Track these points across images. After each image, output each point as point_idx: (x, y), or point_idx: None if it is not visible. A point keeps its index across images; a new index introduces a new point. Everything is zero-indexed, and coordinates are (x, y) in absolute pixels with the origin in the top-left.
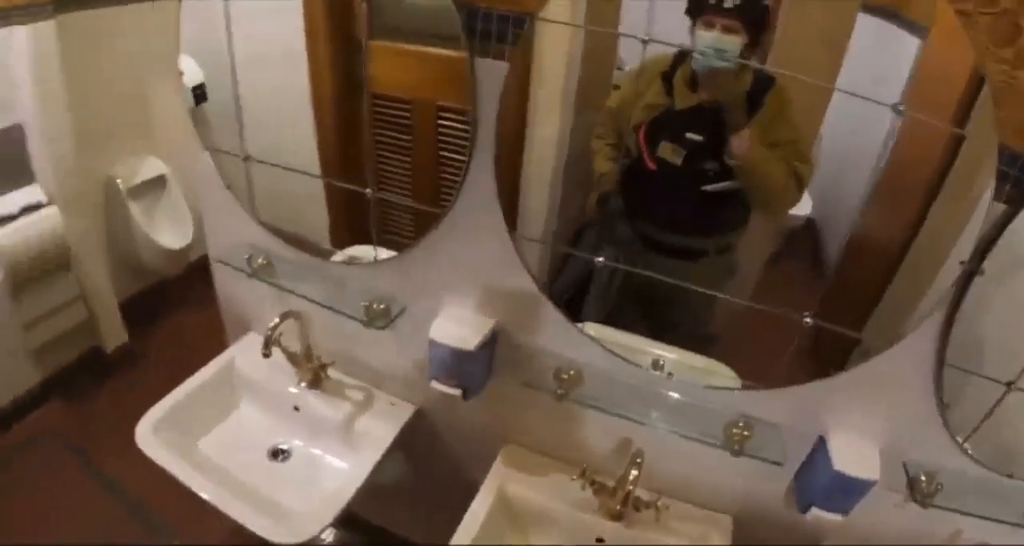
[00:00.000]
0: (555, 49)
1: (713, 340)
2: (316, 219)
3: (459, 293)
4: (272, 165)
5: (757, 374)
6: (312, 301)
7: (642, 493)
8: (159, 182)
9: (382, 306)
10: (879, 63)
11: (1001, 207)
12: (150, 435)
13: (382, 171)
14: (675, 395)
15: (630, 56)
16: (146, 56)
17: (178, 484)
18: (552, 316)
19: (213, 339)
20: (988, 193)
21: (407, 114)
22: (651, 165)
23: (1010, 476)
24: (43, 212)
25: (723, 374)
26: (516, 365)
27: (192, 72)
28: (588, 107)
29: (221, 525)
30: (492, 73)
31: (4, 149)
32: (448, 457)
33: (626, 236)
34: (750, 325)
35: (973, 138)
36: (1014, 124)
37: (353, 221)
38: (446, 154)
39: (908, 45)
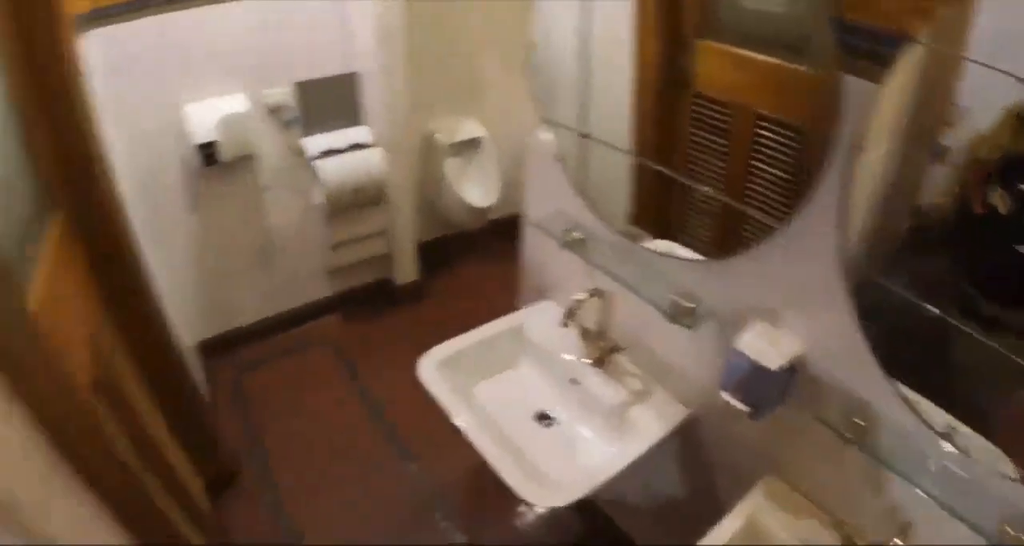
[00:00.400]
0: (901, 72)
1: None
2: (615, 208)
3: (772, 311)
4: (608, 146)
5: None
6: (623, 283)
7: None
8: (474, 143)
9: (690, 305)
10: None
11: None
12: (433, 369)
13: (690, 172)
14: (962, 474)
15: (970, 90)
16: (480, 30)
17: (430, 421)
18: (863, 357)
19: (497, 295)
20: None
21: (726, 118)
22: (979, 209)
23: None
24: (368, 151)
25: (1006, 470)
26: (810, 398)
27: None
28: (915, 137)
29: (460, 464)
30: (859, 93)
31: (342, 91)
32: (704, 470)
33: (941, 285)
34: None
35: None
36: None
37: (650, 214)
38: (757, 164)
39: None
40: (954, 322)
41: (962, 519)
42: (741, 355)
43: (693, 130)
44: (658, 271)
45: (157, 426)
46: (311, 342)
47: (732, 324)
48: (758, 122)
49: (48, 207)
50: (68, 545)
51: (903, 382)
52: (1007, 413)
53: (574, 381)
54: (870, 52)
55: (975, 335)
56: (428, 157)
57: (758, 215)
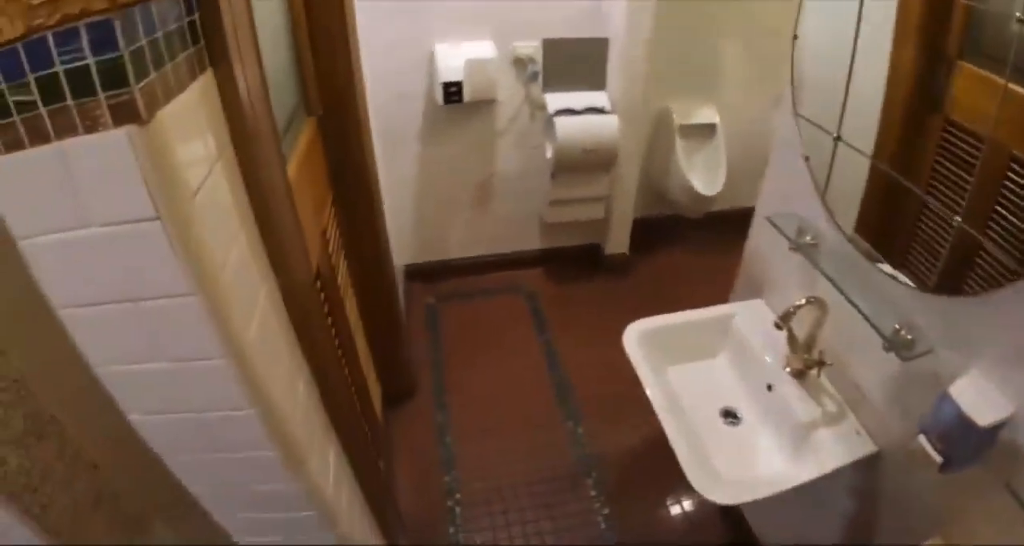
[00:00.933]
0: None
1: None
2: (845, 219)
3: (992, 364)
4: (860, 151)
5: None
6: (846, 297)
7: None
8: (708, 129)
9: (910, 337)
10: None
11: None
12: (635, 338)
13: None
14: None
15: None
16: (733, 13)
17: (607, 390)
18: None
19: (701, 286)
20: None
21: (975, 152)
22: None
23: None
24: (604, 117)
25: None
26: (1006, 464)
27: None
28: None
29: (624, 441)
30: None
31: (588, 54)
32: (868, 510)
33: None
34: None
35: None
36: None
37: (877, 234)
38: (1001, 211)
39: None
40: None
41: None
42: (951, 402)
43: (939, 159)
44: (883, 293)
45: (358, 333)
46: (510, 289)
47: (953, 367)
48: (1011, 164)
49: (305, 113)
50: None
51: None
52: None
53: (770, 386)
54: None
55: None
56: (660, 135)
57: (1005, 257)
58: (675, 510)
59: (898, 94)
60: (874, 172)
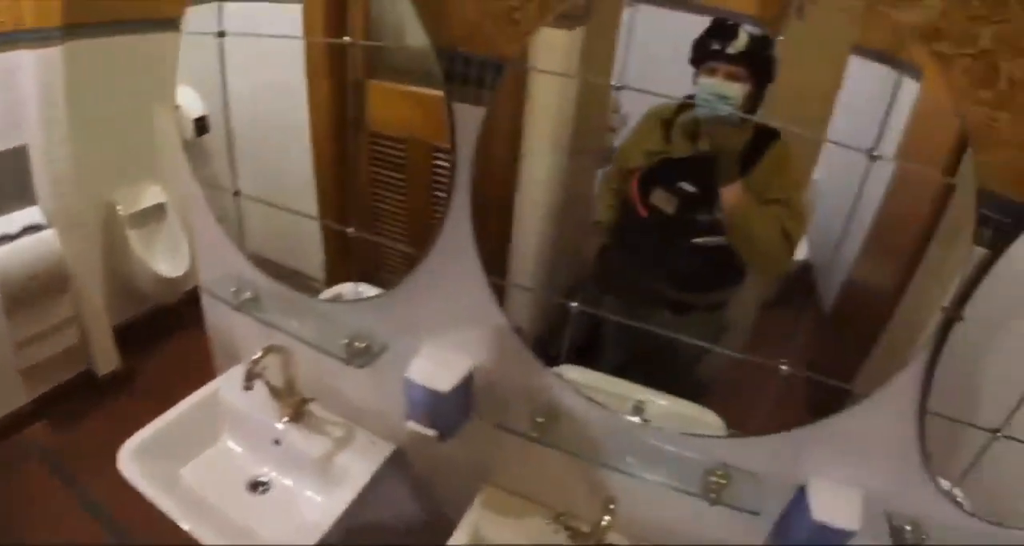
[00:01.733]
0: (547, 91)
1: (703, 388)
2: (313, 254)
3: (437, 334)
4: (259, 201)
5: (743, 422)
6: (295, 336)
7: (618, 539)
8: (159, 210)
9: (363, 344)
10: (875, 108)
11: (982, 252)
12: (132, 460)
13: (378, 209)
14: (652, 442)
15: (628, 99)
16: (153, 85)
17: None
18: (527, 359)
19: (204, 368)
20: (967, 238)
21: (402, 154)
22: (642, 212)
23: (999, 524)
24: (42, 234)
25: (709, 422)
26: (492, 407)
27: (194, 104)
28: (582, 151)
29: None
30: (469, 117)
31: (9, 169)
32: (427, 497)
33: (621, 285)
34: (737, 374)
35: (961, 183)
36: (994, 167)
37: (349, 257)
38: (440, 194)
39: (906, 90)
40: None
41: (660, 483)
42: (413, 383)
43: (375, 169)
44: (333, 316)
45: None
46: (20, 458)
47: (411, 353)
48: (434, 155)
49: None
50: None
51: (611, 373)
52: (706, 376)
53: (276, 442)
54: (477, 77)
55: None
56: (111, 231)
57: (400, 245)
58: None
59: (323, 123)
60: (323, 204)
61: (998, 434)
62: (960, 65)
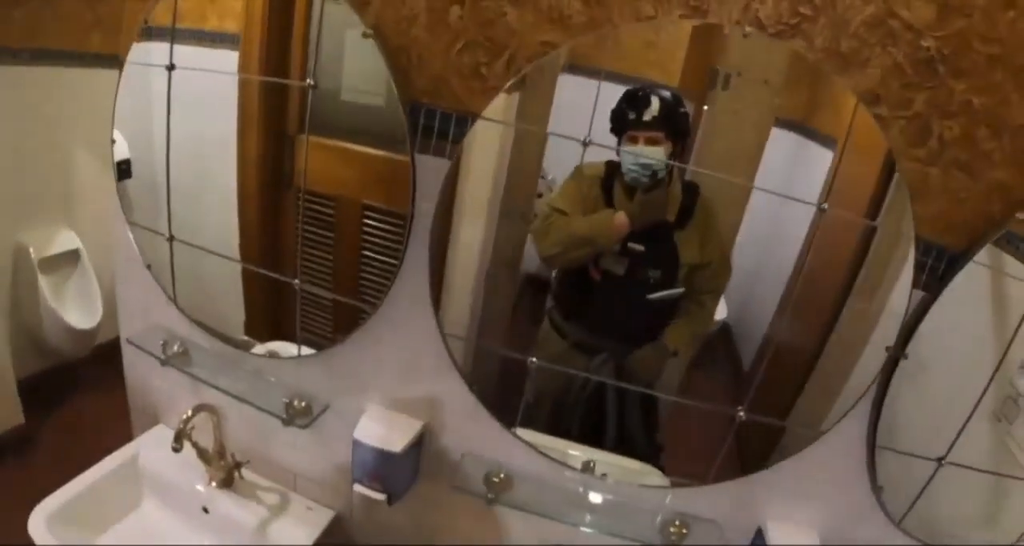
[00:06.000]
0: (487, 150)
1: (647, 443)
2: (232, 310)
3: (386, 392)
4: (198, 248)
5: (691, 472)
6: (229, 394)
7: None
8: (72, 256)
9: (303, 404)
10: (794, 172)
11: (921, 294)
12: (44, 529)
13: (304, 267)
14: (609, 496)
15: (553, 164)
16: (74, 123)
17: None
18: (484, 419)
19: (116, 428)
20: (907, 282)
21: (331, 211)
22: (596, 276)
23: None
24: None
25: (654, 475)
26: (444, 468)
27: (119, 147)
28: (511, 214)
29: None
30: (432, 169)
31: None
32: None
33: (561, 343)
34: (682, 426)
35: (883, 232)
36: (928, 217)
37: (268, 315)
38: (368, 253)
39: (820, 156)
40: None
41: (619, 537)
42: (362, 444)
43: (304, 226)
44: (269, 375)
45: None
46: None
47: (355, 412)
48: (365, 212)
49: None
50: None
51: (554, 433)
52: (650, 430)
53: (206, 509)
54: (439, 131)
55: (607, 381)
56: (20, 276)
57: (351, 301)
58: None
59: (251, 179)
60: (245, 255)
61: (943, 461)
62: (896, 126)
